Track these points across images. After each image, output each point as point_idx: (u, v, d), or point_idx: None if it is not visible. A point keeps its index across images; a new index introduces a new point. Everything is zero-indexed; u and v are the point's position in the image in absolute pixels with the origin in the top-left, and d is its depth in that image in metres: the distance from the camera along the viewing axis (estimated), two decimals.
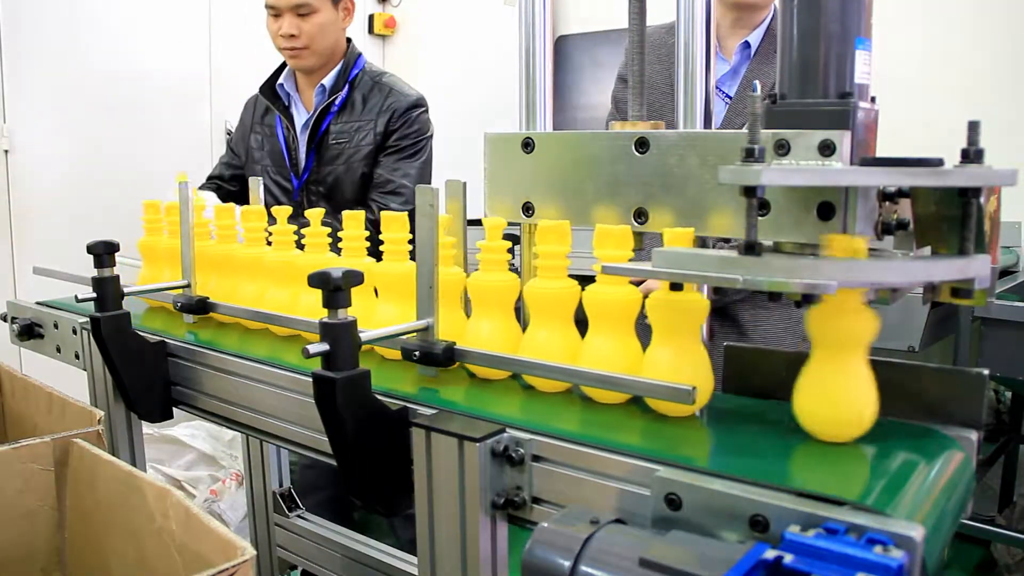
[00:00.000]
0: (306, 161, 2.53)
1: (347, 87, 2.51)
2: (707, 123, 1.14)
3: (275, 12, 2.44)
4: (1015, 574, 2.90)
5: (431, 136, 2.56)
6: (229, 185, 2.70)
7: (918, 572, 0.71)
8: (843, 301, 0.91)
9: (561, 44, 4.85)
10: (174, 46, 3.81)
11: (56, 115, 3.46)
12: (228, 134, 4.03)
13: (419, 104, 2.52)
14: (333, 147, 2.50)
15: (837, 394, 0.93)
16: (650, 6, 1.22)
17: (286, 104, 2.59)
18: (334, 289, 1.03)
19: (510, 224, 1.25)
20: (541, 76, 1.28)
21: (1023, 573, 2.89)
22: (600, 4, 4.66)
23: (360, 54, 2.60)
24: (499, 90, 4.20)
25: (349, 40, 2.60)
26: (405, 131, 2.48)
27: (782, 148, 0.95)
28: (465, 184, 1.30)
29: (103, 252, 1.43)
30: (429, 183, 2.49)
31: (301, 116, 2.58)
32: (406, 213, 1.28)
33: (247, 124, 2.70)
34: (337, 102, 2.50)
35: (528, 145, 1.23)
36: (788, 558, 0.70)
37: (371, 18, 4.82)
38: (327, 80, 2.52)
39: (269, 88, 2.62)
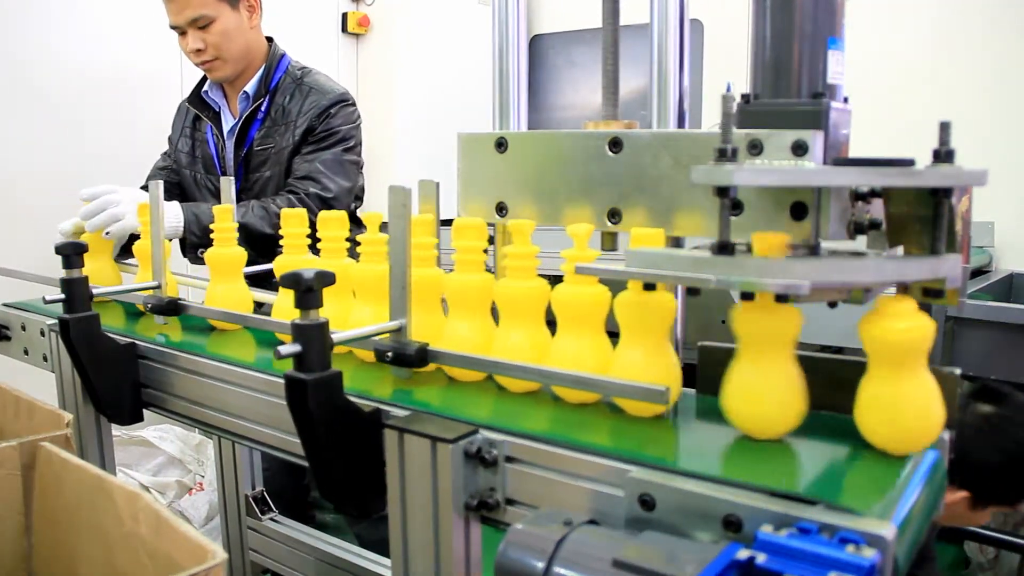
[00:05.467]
0: (235, 169, 2.50)
1: (269, 93, 2.48)
2: (680, 123, 1.14)
3: (180, 31, 2.39)
4: (988, 572, 2.93)
5: (356, 125, 2.51)
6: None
7: (890, 571, 0.71)
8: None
9: (536, 43, 4.86)
10: (143, 41, 3.75)
11: (22, 114, 3.41)
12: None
13: (341, 100, 2.47)
14: (259, 154, 2.47)
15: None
16: (624, 5, 1.22)
17: (216, 111, 2.57)
18: (306, 290, 1.02)
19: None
20: (515, 75, 1.28)
21: (996, 571, 2.92)
22: (575, 3, 4.67)
23: (283, 55, 2.55)
24: (474, 89, 4.20)
25: (271, 40, 2.56)
26: (325, 126, 2.43)
27: (755, 148, 0.96)
28: (438, 184, 1.29)
29: (71, 253, 1.41)
30: (354, 171, 2.48)
31: (228, 123, 2.55)
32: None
33: (178, 130, 2.67)
34: (261, 109, 2.47)
35: (501, 145, 1.23)
36: (761, 558, 0.70)
37: (344, 16, 4.78)
38: (249, 87, 2.49)
39: (197, 96, 2.59)
